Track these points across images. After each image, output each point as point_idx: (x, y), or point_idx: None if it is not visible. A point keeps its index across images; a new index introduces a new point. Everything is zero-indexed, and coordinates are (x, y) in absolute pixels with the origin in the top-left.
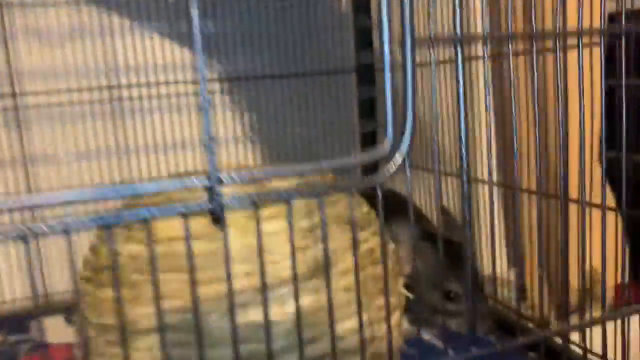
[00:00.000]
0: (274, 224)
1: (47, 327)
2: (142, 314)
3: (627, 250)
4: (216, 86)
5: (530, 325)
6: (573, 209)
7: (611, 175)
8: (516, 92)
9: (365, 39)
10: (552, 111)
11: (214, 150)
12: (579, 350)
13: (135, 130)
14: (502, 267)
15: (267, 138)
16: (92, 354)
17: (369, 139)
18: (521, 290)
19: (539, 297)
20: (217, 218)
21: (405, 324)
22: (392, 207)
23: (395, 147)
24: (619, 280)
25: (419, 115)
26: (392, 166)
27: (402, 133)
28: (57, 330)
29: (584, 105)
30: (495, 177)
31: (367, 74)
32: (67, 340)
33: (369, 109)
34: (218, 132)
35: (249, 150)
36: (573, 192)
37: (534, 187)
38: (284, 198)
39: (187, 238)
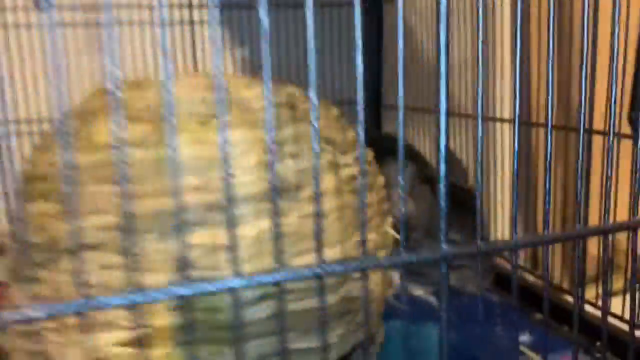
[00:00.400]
0: (233, 133)
1: None
2: (69, 230)
3: None
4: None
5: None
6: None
7: None
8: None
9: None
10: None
11: None
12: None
13: None
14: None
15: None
16: (16, 276)
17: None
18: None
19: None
20: None
21: (396, 278)
22: (388, 150)
23: None
24: None
25: (423, 54)
26: None
27: None
28: None
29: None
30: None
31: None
32: None
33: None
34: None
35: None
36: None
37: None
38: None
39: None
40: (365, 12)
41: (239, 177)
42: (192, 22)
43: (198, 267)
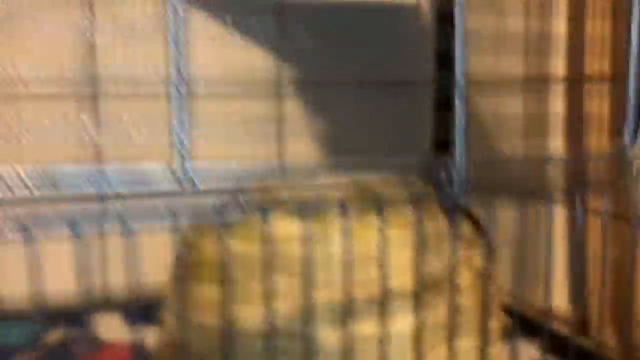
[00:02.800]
0: (388, 232)
1: (102, 323)
2: (247, 314)
3: None
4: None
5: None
6: None
7: None
8: None
9: (445, 55)
10: None
11: None
12: None
13: None
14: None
15: (335, 146)
16: (187, 351)
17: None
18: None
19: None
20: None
21: None
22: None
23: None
24: None
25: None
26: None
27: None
28: (112, 328)
29: None
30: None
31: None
32: (123, 337)
33: (444, 126)
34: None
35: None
36: None
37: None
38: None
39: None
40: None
41: (394, 274)
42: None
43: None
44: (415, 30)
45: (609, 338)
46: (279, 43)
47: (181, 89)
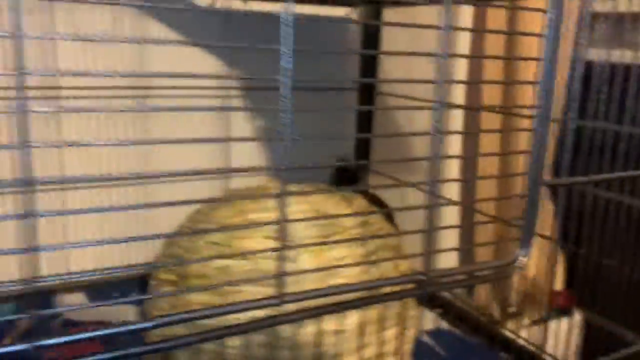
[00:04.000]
0: (340, 250)
1: (68, 303)
2: None
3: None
4: (233, 92)
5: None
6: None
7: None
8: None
9: (369, 66)
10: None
11: (431, 254)
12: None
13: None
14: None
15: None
16: None
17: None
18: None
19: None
20: None
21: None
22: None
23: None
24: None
25: (398, 127)
26: (524, 257)
27: (528, 244)
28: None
29: None
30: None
31: (367, 94)
32: (91, 318)
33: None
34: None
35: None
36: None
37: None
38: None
39: None
40: (361, 100)
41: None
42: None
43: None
44: (345, 42)
45: (489, 300)
46: (224, 50)
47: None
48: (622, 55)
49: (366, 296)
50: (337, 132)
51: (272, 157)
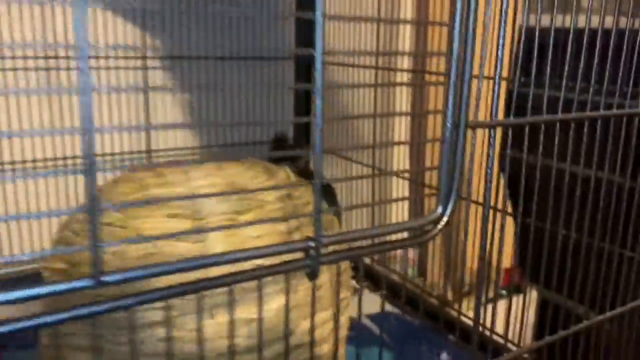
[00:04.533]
0: (255, 228)
1: None
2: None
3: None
4: (156, 63)
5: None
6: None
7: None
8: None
9: (306, 32)
10: None
11: (321, 219)
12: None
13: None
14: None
15: (203, 119)
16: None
17: (303, 129)
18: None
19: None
20: (312, 273)
21: None
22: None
23: (443, 212)
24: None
25: (341, 107)
26: (438, 228)
27: (448, 199)
28: None
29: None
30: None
31: (305, 64)
32: None
33: (305, 98)
34: (157, 112)
35: (188, 132)
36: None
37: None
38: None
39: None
40: (297, 70)
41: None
42: (145, 69)
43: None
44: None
45: (438, 279)
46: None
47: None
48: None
49: (238, 271)
50: (274, 106)
51: (201, 137)
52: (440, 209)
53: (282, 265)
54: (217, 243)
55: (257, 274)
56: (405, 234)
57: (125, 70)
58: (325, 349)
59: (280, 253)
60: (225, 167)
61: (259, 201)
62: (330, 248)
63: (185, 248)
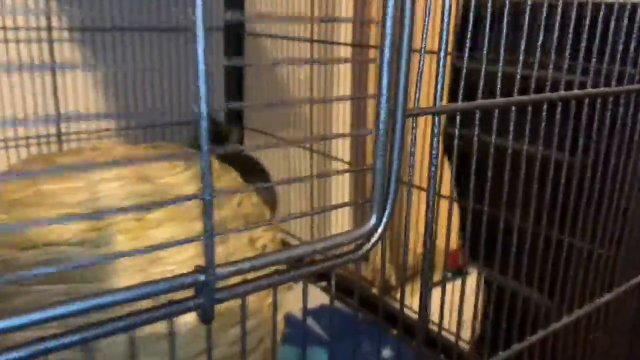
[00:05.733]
0: (168, 229)
1: None
2: None
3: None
4: (64, 35)
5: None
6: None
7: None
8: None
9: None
10: None
11: (213, 244)
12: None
13: None
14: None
15: (120, 93)
16: None
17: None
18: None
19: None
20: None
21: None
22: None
23: (377, 224)
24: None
25: (277, 82)
26: (372, 242)
27: (384, 209)
28: None
29: None
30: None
31: (235, 35)
32: None
33: (236, 74)
34: (65, 84)
35: (100, 104)
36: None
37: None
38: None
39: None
40: (227, 43)
41: (176, 271)
42: (51, 42)
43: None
44: None
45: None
46: None
47: None
48: None
49: (128, 314)
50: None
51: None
52: (373, 220)
53: (163, 308)
54: (121, 247)
55: (126, 325)
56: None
57: (28, 43)
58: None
59: (157, 294)
60: (135, 155)
61: (172, 196)
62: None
63: (82, 253)
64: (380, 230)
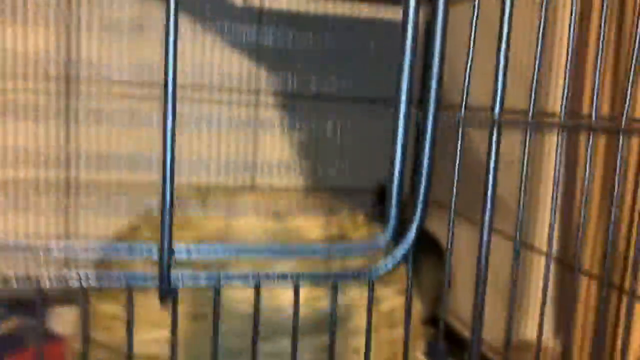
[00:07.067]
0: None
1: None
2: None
3: None
4: (270, 100)
5: None
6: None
7: None
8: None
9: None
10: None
11: (171, 221)
12: None
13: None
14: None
15: (314, 164)
16: None
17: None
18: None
19: None
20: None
21: None
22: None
23: (397, 237)
24: None
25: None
26: (389, 264)
27: (410, 220)
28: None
29: None
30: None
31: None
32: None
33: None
34: (265, 151)
35: (292, 172)
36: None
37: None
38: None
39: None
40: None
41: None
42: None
43: None
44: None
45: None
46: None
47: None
48: None
49: None
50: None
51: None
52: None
53: None
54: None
55: None
56: None
57: (230, 105)
58: None
59: None
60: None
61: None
62: None
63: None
64: (398, 255)
